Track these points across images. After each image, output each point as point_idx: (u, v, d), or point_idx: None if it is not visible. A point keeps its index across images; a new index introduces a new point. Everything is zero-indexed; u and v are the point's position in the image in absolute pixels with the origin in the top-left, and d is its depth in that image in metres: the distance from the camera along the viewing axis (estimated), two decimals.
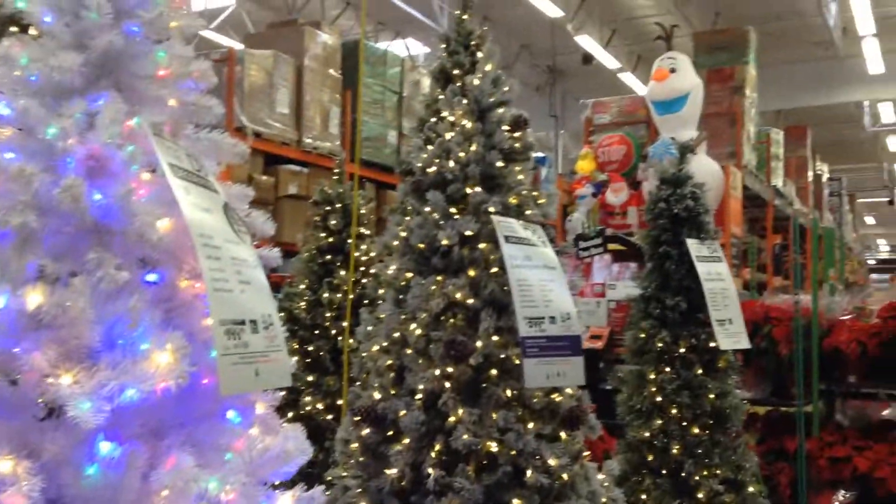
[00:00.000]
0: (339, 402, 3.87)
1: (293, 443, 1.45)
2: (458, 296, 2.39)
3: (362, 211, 4.20)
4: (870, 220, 31.03)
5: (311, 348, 3.93)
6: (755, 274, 7.17)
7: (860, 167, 24.93)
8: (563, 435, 2.39)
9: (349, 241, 4.09)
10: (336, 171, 4.33)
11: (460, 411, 2.30)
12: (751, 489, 3.14)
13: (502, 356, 2.36)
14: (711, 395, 3.12)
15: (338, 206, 4.16)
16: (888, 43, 14.70)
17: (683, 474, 3.08)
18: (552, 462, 2.30)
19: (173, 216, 1.34)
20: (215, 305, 1.29)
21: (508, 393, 2.34)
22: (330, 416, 3.85)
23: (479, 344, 2.33)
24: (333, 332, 3.97)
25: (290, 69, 6.69)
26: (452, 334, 2.35)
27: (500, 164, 2.53)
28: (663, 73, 7.95)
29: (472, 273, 2.42)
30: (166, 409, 1.30)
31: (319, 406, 3.87)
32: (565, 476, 2.33)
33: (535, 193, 2.60)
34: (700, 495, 3.04)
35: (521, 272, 2.36)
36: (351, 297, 3.24)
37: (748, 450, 3.20)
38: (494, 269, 2.42)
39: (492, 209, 2.45)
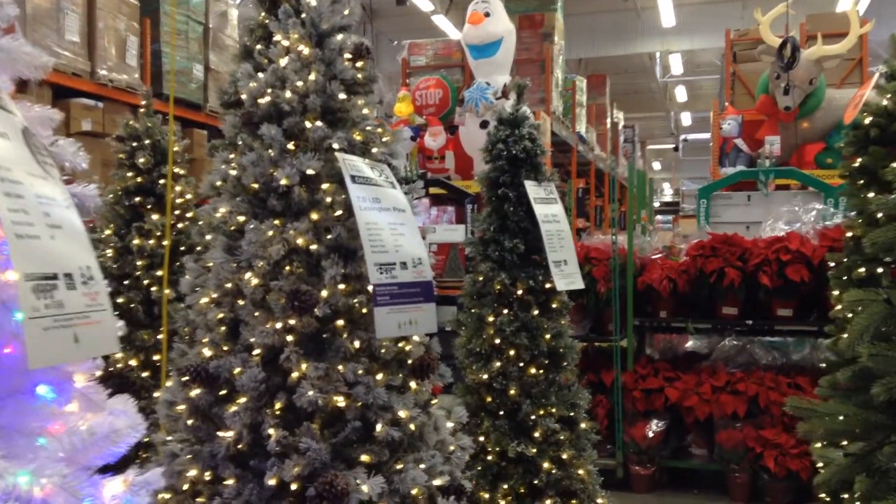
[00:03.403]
0: (156, 357, 3.53)
1: (123, 419, 1.21)
2: (300, 241, 2.17)
3: (175, 148, 3.79)
4: (657, 165, 33.58)
5: (121, 300, 3.52)
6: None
7: (650, 115, 26.76)
8: (412, 385, 2.28)
9: (161, 181, 3.69)
10: (143, 104, 3.86)
11: (304, 366, 2.11)
12: (583, 426, 3.22)
13: (349, 305, 2.19)
14: (547, 336, 3.14)
15: (146, 142, 3.72)
16: None
17: (521, 415, 3.09)
18: (402, 414, 2.18)
19: None
20: (19, 256, 1.01)
21: (356, 344, 2.18)
22: (145, 374, 3.50)
23: (324, 293, 2.14)
24: (146, 282, 3.59)
25: None
26: (295, 283, 2.14)
27: (342, 95, 2.31)
28: (478, 16, 7.90)
29: (314, 216, 2.21)
30: None
31: (132, 363, 3.50)
32: (414, 427, 2.23)
33: (379, 130, 2.41)
34: (537, 434, 3.07)
35: (370, 215, 2.18)
36: (168, 243, 2.90)
37: (581, 388, 3.27)
38: (339, 212, 2.23)
39: (335, 146, 2.24)
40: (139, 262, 3.59)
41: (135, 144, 3.72)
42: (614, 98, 16.28)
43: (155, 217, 3.64)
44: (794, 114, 7.27)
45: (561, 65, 10.09)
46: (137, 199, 3.68)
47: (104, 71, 6.17)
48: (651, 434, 4.80)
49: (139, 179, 3.69)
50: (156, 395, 3.59)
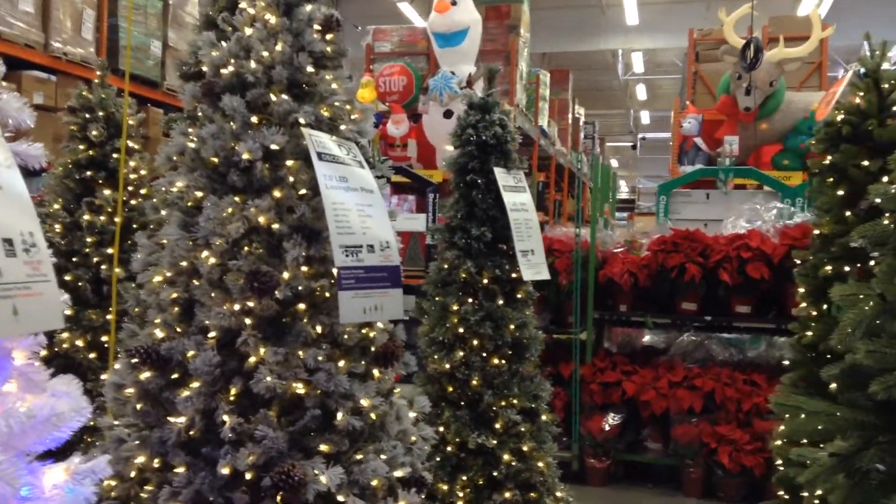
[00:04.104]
0: (103, 338, 3.39)
1: (66, 401, 1.10)
2: (261, 220, 2.07)
3: (130, 122, 3.63)
4: (614, 162, 33.85)
5: (68, 278, 3.36)
6: None
7: (610, 113, 26.94)
8: (375, 373, 2.19)
9: (115, 155, 3.53)
10: (98, 75, 3.68)
11: (262, 350, 2.01)
12: (544, 418, 3.17)
13: (311, 289, 2.10)
14: (512, 326, 3.08)
15: (99, 114, 3.55)
16: None
17: (482, 406, 3.03)
18: (364, 402, 2.10)
19: None
20: None
21: (318, 329, 2.09)
22: (92, 355, 3.35)
23: (285, 275, 2.04)
24: (95, 259, 3.43)
25: None
26: (254, 264, 2.04)
27: (310, 68, 2.21)
28: (445, 4, 7.79)
29: (277, 194, 2.10)
30: None
31: (79, 343, 3.35)
32: (375, 416, 2.15)
33: (348, 107, 2.31)
34: (498, 426, 3.01)
35: (337, 194, 2.09)
36: (120, 219, 2.76)
37: (543, 380, 3.22)
38: (303, 191, 2.13)
39: (302, 120, 2.14)
40: (89, 239, 3.43)
41: (87, 116, 3.55)
42: (575, 94, 16.30)
43: (107, 192, 3.48)
44: (754, 115, 7.35)
45: (526, 57, 10.04)
46: (88, 173, 3.52)
47: (58, 44, 5.95)
48: (607, 427, 4.79)
49: (91, 153, 3.53)
50: (103, 377, 3.45)
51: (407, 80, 8.45)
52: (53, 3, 5.89)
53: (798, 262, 3.10)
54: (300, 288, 2.07)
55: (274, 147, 2.10)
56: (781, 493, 2.93)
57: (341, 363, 2.10)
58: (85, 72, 5.92)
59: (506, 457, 2.95)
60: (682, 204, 6.66)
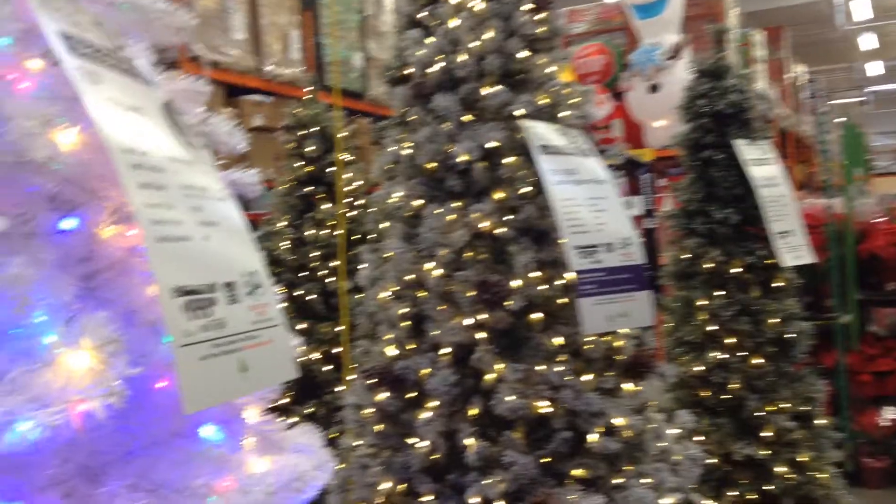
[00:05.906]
0: (335, 350, 3.41)
1: (307, 459, 0.96)
2: (485, 225, 1.88)
3: (343, 134, 3.64)
4: (840, 121, 30.74)
5: (299, 293, 3.42)
6: None
7: (831, 68, 24.47)
8: (626, 387, 1.94)
9: (330, 169, 3.56)
10: (309, 90, 3.75)
11: (499, 367, 1.83)
12: (820, 421, 2.74)
13: (545, 296, 1.88)
14: (773, 320, 2.68)
15: (313, 129, 3.60)
16: None
17: (746, 412, 2.66)
18: (618, 421, 1.85)
19: (80, 123, 0.81)
20: (161, 264, 0.78)
21: (557, 341, 1.86)
22: (328, 367, 3.38)
23: (516, 283, 1.84)
24: (322, 273, 3.46)
25: None
26: (482, 273, 1.86)
27: (523, 54, 1.99)
28: None
29: (498, 195, 1.91)
30: (100, 437, 0.80)
31: (316, 356, 3.39)
32: (629, 434, 1.89)
33: (566, 91, 2.07)
34: (766, 434, 2.63)
35: (565, 190, 1.86)
36: (343, 231, 2.72)
37: (815, 378, 2.79)
38: (526, 189, 1.92)
39: (520, 112, 1.93)
40: (315, 253, 3.47)
41: (302, 133, 3.61)
42: (791, 51, 14.90)
43: (326, 206, 3.51)
44: None
45: (734, 19, 9.28)
46: (309, 188, 3.57)
47: (270, 66, 6.23)
48: (885, 422, 4.17)
49: (309, 168, 3.58)
50: (338, 389, 3.48)
51: (606, 58, 8.08)
52: (262, 27, 6.19)
53: None
54: (533, 296, 1.87)
55: (491, 145, 1.91)
56: None
57: (587, 377, 1.86)
58: (296, 91, 6.15)
59: (780, 469, 2.56)
60: None
